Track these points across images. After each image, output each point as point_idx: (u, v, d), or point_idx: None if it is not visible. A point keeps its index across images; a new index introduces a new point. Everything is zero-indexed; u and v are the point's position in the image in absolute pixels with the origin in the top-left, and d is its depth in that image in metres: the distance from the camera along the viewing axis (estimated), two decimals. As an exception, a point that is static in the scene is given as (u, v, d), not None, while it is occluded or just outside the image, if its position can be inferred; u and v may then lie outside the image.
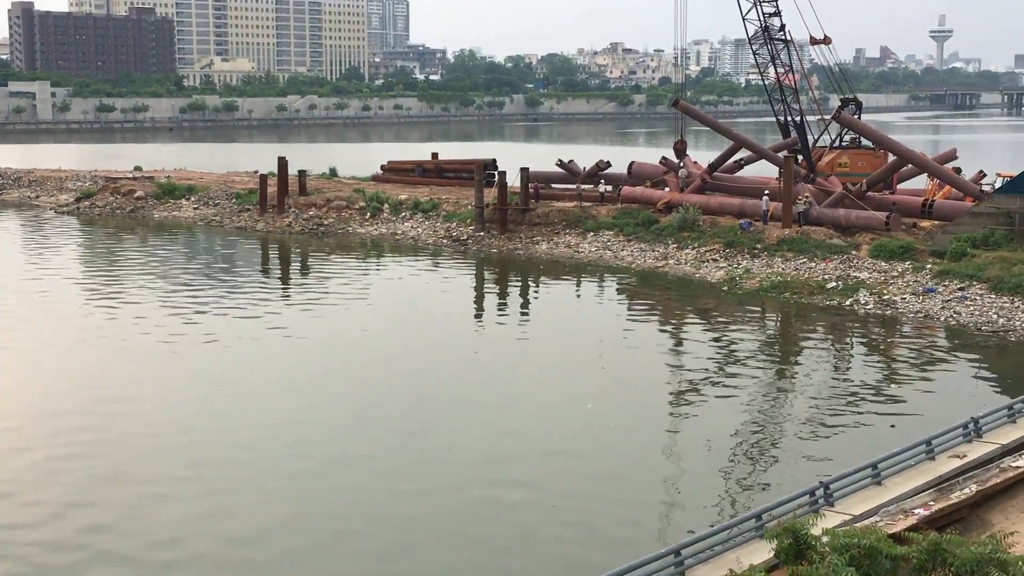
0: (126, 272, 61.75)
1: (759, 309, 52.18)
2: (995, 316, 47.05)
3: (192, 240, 75.74)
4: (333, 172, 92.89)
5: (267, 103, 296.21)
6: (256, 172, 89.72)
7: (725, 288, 55.77)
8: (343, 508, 27.81)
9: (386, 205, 77.17)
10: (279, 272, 65.57)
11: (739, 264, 58.60)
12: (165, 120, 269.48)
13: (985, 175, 71.77)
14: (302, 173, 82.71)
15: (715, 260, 59.80)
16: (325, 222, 76.70)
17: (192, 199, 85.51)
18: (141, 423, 34.25)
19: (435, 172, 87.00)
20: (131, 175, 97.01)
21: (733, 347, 44.86)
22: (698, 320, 50.07)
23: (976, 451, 26.16)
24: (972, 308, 48.19)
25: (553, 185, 78.93)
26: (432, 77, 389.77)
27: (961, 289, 50.15)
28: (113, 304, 52.54)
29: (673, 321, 50.36)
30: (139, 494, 28.43)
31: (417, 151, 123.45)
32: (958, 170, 71.23)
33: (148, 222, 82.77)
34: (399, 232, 73.40)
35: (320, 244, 72.07)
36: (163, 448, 31.97)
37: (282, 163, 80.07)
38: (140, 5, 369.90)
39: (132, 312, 50.58)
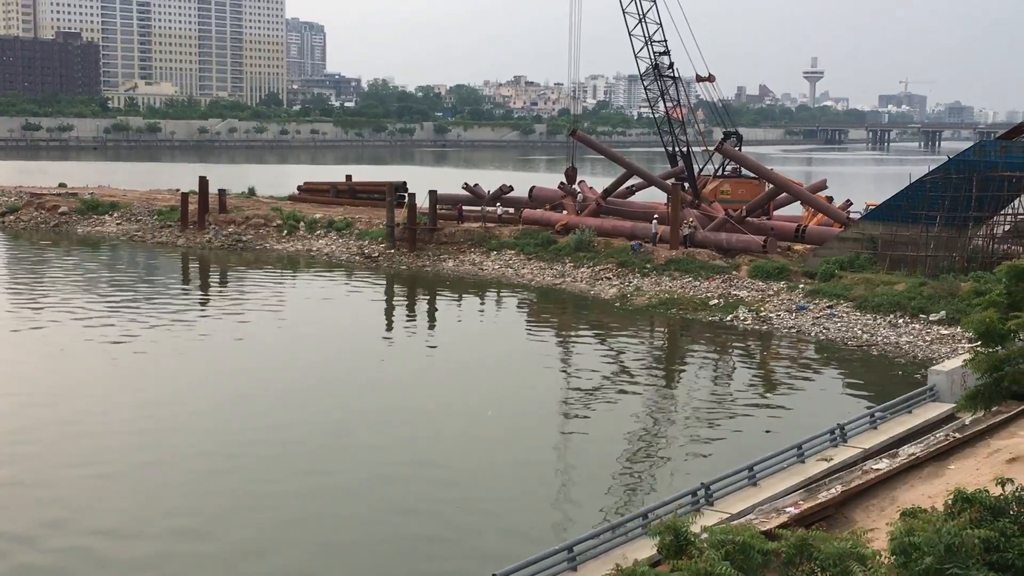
0: (46, 283, 60.07)
1: (648, 324, 52.74)
2: (860, 332, 48.17)
3: (114, 254, 73.99)
4: (252, 191, 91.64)
5: (189, 125, 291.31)
6: (178, 190, 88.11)
7: (617, 304, 56.26)
8: (264, 510, 27.33)
9: (302, 223, 76.38)
10: (198, 284, 64.37)
11: (630, 282, 59.16)
12: (90, 139, 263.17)
13: (852, 204, 73.59)
14: (222, 192, 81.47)
15: (608, 278, 60.30)
16: (243, 238, 75.62)
17: (115, 215, 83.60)
18: (51, 431, 33.28)
19: (349, 193, 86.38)
20: (56, 191, 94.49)
21: (624, 359, 45.25)
22: (592, 334, 50.42)
23: (841, 455, 26.71)
24: (840, 324, 49.28)
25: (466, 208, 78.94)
26: (347, 104, 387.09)
27: (830, 307, 51.25)
28: (33, 314, 51.04)
29: (569, 334, 50.63)
30: (37, 500, 27.60)
31: (332, 173, 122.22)
32: (830, 199, 72.93)
33: (72, 236, 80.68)
34: (314, 249, 72.67)
35: (239, 259, 70.99)
36: (67, 456, 31.07)
37: (203, 182, 78.85)
38: (67, 30, 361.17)
39: (52, 321, 49.19)
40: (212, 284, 64.34)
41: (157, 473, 29.59)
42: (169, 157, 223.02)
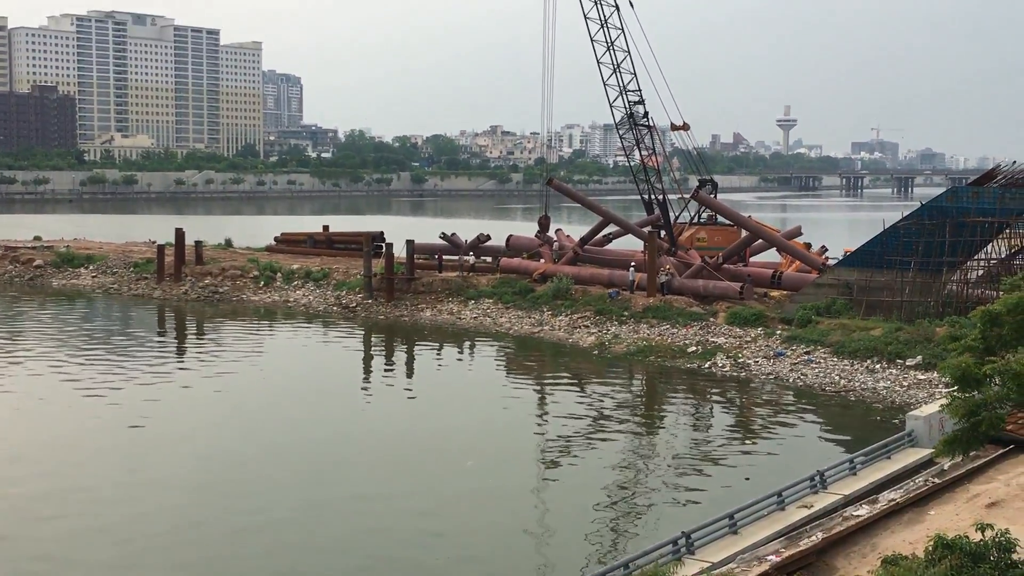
0: (23, 335, 59.57)
1: (627, 371, 52.72)
2: (837, 377, 48.31)
3: (90, 307, 73.48)
4: (228, 243, 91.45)
5: (165, 177, 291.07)
6: (154, 242, 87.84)
7: (596, 352, 56.24)
8: (246, 559, 27.00)
9: (279, 274, 76.23)
10: (175, 336, 63.95)
11: (608, 330, 59.22)
12: (66, 192, 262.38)
13: (828, 250, 74.11)
14: (198, 243, 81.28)
15: (586, 326, 60.35)
16: (220, 290, 75.35)
17: (91, 268, 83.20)
18: (31, 484, 32.85)
19: (326, 243, 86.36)
20: (31, 244, 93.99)
21: (603, 406, 45.17)
22: (571, 382, 50.34)
23: (822, 501, 26.71)
24: (817, 370, 49.43)
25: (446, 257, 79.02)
26: (324, 155, 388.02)
27: (807, 353, 51.42)
28: (8, 367, 50.55)
29: (548, 383, 50.54)
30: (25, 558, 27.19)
31: (309, 223, 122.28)
32: (808, 245, 73.43)
33: (47, 289, 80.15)
34: (291, 299, 72.48)
35: (215, 311, 70.69)
36: (42, 509, 30.67)
37: (179, 234, 78.69)
38: (43, 83, 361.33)
39: (28, 373, 48.72)
40: (189, 336, 63.97)
41: (137, 526, 29.19)
42: (145, 209, 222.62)
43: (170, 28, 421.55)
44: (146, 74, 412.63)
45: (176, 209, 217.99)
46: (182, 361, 54.33)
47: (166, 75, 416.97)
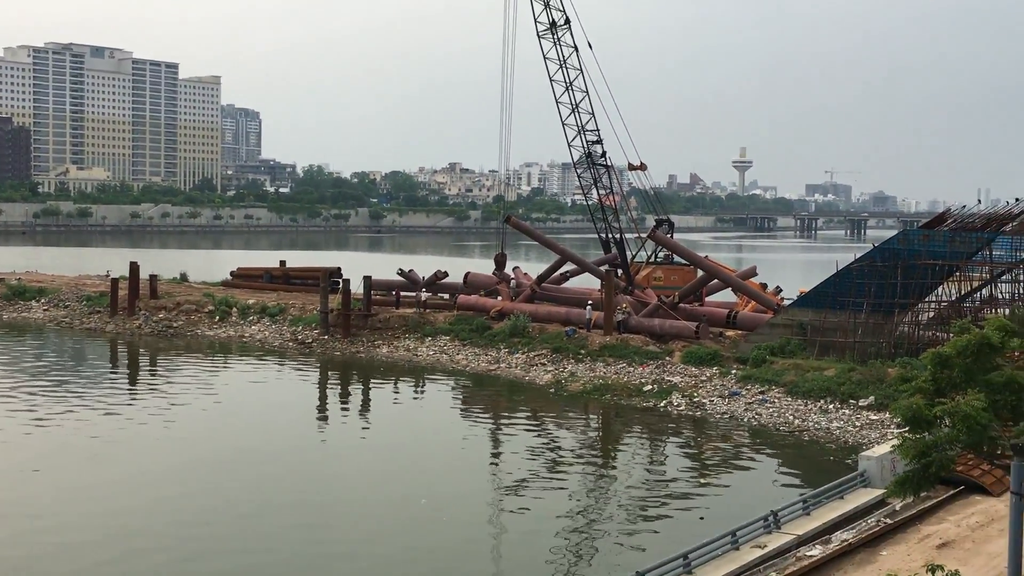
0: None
1: (583, 410, 52.72)
2: (791, 417, 48.61)
3: (41, 340, 72.40)
4: (184, 277, 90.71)
5: (121, 210, 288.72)
6: (108, 275, 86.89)
7: (552, 390, 56.23)
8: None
9: (235, 309, 75.62)
10: (127, 371, 63.10)
11: (565, 368, 59.25)
12: (18, 224, 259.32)
13: (782, 290, 74.78)
14: (153, 277, 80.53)
15: (543, 364, 60.34)
16: (174, 324, 74.60)
17: (43, 300, 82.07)
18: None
19: (283, 279, 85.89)
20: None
21: (559, 445, 45.09)
22: (527, 420, 50.24)
23: (775, 541, 26.77)
24: (772, 410, 49.71)
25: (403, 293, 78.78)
26: (282, 190, 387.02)
27: (762, 392, 51.73)
28: (-44, 403, 49.65)
29: (504, 421, 50.39)
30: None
31: (266, 258, 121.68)
32: (764, 285, 74.04)
33: (-4, 322, 78.88)
34: (247, 335, 71.87)
35: (169, 345, 69.90)
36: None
37: (133, 267, 77.95)
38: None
39: (-25, 411, 47.86)
40: (142, 370, 63.13)
41: (83, 562, 28.66)
42: (100, 242, 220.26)
43: (128, 61, 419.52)
44: (103, 106, 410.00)
45: (131, 242, 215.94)
46: (134, 396, 53.61)
47: (123, 108, 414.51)
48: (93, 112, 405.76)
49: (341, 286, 70.56)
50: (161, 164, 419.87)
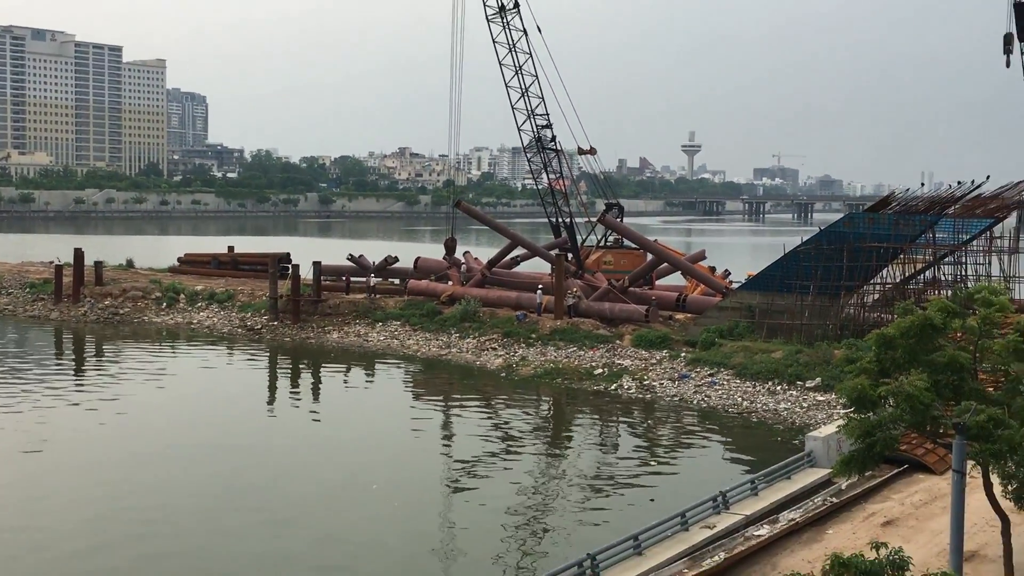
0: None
1: (534, 394, 52.92)
2: (740, 399, 49.15)
3: (-17, 329, 71.22)
4: (130, 263, 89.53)
5: (65, 196, 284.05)
6: (52, 262, 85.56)
7: (503, 374, 56.35)
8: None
9: (182, 295, 74.84)
10: (72, 359, 62.25)
11: (516, 352, 59.39)
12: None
13: (731, 273, 75.49)
14: (98, 264, 79.40)
15: (494, 348, 60.45)
16: (121, 311, 73.69)
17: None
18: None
19: (231, 264, 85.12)
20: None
21: (510, 429, 45.25)
22: (478, 404, 50.33)
23: (724, 521, 27.10)
24: (720, 392, 50.22)
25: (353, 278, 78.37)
26: (230, 175, 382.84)
27: (711, 375, 52.23)
28: None
29: (455, 405, 50.45)
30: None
31: (214, 244, 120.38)
32: (712, 269, 74.64)
33: (-63, 310, 77.42)
34: (195, 321, 71.19)
35: (115, 333, 69.05)
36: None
37: (78, 254, 76.83)
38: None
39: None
40: (88, 358, 62.32)
41: (32, 551, 28.32)
42: (43, 228, 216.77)
43: (71, 44, 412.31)
44: (45, 90, 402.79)
45: (76, 228, 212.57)
46: (81, 384, 52.92)
47: (66, 91, 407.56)
48: (35, 96, 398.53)
49: (290, 272, 70.10)
50: (105, 149, 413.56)
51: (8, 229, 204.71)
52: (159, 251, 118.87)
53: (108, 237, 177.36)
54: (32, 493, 34.26)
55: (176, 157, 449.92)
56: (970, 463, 18.16)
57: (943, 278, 59.93)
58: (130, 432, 42.92)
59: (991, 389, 19.46)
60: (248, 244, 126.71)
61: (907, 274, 58.99)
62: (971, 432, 17.27)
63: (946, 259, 60.17)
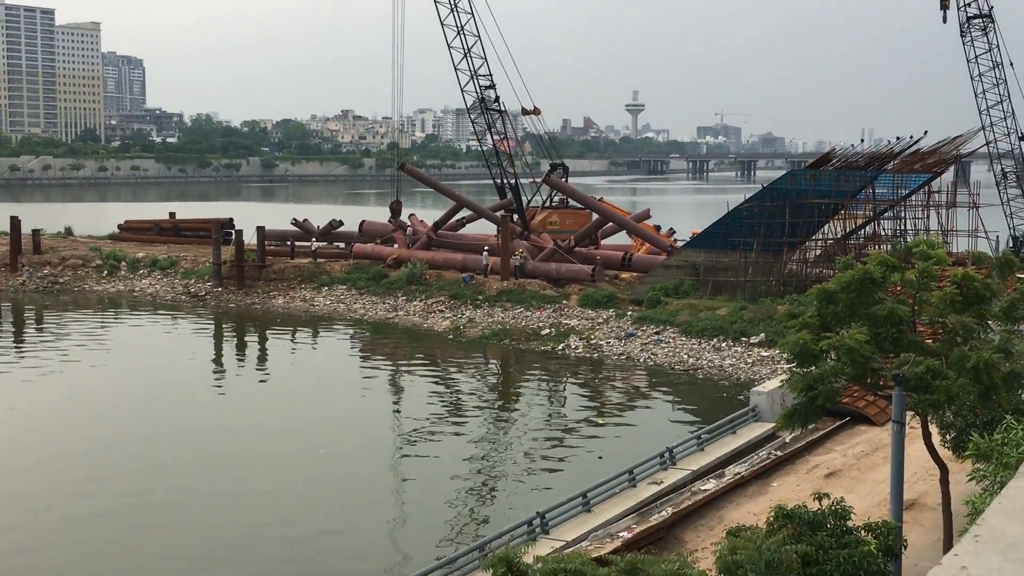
0: None
1: (482, 355, 53.03)
2: (686, 356, 49.64)
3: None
4: (69, 231, 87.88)
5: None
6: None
7: (451, 336, 56.38)
8: (92, 547, 26.14)
9: (123, 263, 73.78)
10: (12, 329, 61.22)
11: (463, 314, 59.41)
12: None
13: (675, 232, 75.92)
14: (36, 232, 77.88)
15: (441, 311, 60.41)
16: (60, 280, 72.49)
17: (-82, 259, 78.80)
18: None
19: (173, 231, 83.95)
20: None
21: (458, 391, 45.35)
22: (426, 367, 50.34)
23: (671, 477, 27.46)
24: (667, 350, 50.67)
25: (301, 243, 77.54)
26: (169, 140, 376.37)
27: (657, 333, 52.66)
28: None
29: (403, 368, 50.42)
30: None
31: (155, 211, 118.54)
32: (657, 227, 75.00)
33: None
34: (137, 289, 70.26)
35: (55, 302, 67.96)
36: None
37: (14, 222, 75.27)
38: None
39: None
40: (27, 328, 61.32)
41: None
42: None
43: (0, 8, 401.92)
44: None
45: (11, 196, 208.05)
46: (21, 354, 52.08)
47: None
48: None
49: (234, 237, 69.34)
50: (40, 114, 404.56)
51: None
52: (99, 218, 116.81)
53: (45, 205, 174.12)
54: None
55: (114, 123, 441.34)
56: (909, 414, 18.51)
57: (883, 233, 60.80)
58: (74, 402, 42.36)
59: (929, 341, 19.80)
60: (190, 210, 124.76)
61: (848, 229, 59.76)
62: (910, 383, 17.58)
63: (885, 214, 61.00)
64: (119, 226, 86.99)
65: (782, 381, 24.83)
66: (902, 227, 60.70)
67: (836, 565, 13.85)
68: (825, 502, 14.95)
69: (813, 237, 58.30)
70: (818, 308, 19.73)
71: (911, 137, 58.21)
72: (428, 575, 20.63)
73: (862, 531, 14.76)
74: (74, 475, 32.80)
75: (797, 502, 15.85)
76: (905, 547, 15.79)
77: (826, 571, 13.83)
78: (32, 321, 63.15)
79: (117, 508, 29.78)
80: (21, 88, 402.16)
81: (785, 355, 20.91)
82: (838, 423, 31.19)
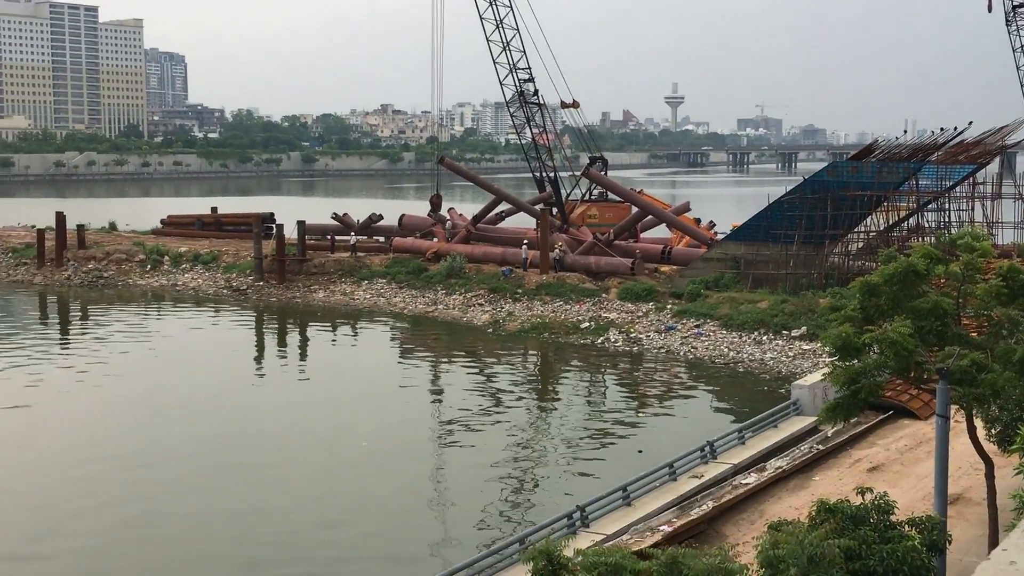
0: None
1: (522, 348, 53.04)
2: (726, 350, 49.38)
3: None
4: (113, 226, 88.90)
5: (44, 159, 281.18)
6: (33, 226, 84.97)
7: (490, 330, 56.45)
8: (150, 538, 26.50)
9: (166, 257, 74.54)
10: (58, 323, 62.05)
11: (502, 308, 59.45)
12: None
13: (715, 225, 75.49)
14: (81, 227, 78.91)
15: (480, 304, 60.49)
16: (105, 274, 73.38)
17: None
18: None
19: (215, 225, 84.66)
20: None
21: (498, 384, 45.40)
22: (466, 360, 50.45)
23: (712, 471, 27.33)
24: (707, 343, 50.44)
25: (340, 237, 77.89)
26: (211, 135, 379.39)
27: (697, 326, 52.42)
28: None
29: (443, 362, 50.55)
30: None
31: (197, 205, 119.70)
32: (697, 220, 74.63)
33: (-80, 277, 76.90)
34: (180, 283, 70.97)
35: (100, 296, 68.82)
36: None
37: (60, 217, 76.32)
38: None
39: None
40: (73, 322, 62.15)
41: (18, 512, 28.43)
42: (24, 192, 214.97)
43: (45, 5, 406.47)
44: (21, 53, 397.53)
45: (57, 192, 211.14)
46: (67, 347, 52.80)
47: (42, 54, 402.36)
48: (10, 58, 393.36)
49: (275, 231, 69.83)
50: (84, 111, 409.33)
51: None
52: (142, 213, 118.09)
53: (90, 200, 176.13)
54: (25, 454, 34.29)
55: (156, 118, 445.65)
56: (954, 407, 18.30)
57: (926, 225, 60.12)
58: (120, 394, 42.89)
59: (974, 334, 19.59)
60: (231, 204, 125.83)
61: (891, 221, 59.13)
62: (954, 377, 17.38)
63: (929, 206, 60.30)
64: (162, 221, 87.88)
65: (824, 374, 24.63)
66: (946, 219, 59.97)
67: (879, 560, 13.74)
68: (868, 496, 14.84)
69: (855, 229, 57.72)
70: (861, 301, 19.56)
71: (955, 128, 57.49)
72: (469, 567, 20.68)
73: (906, 526, 14.63)
74: (120, 470, 33.20)
75: (839, 496, 15.74)
76: (950, 542, 15.63)
77: (869, 566, 13.72)
78: (78, 315, 63.97)
79: (164, 509, 30.16)
80: (66, 85, 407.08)
81: (827, 348, 20.74)
82: (881, 417, 30.90)
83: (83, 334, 56.94)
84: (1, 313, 63.99)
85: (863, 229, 58.39)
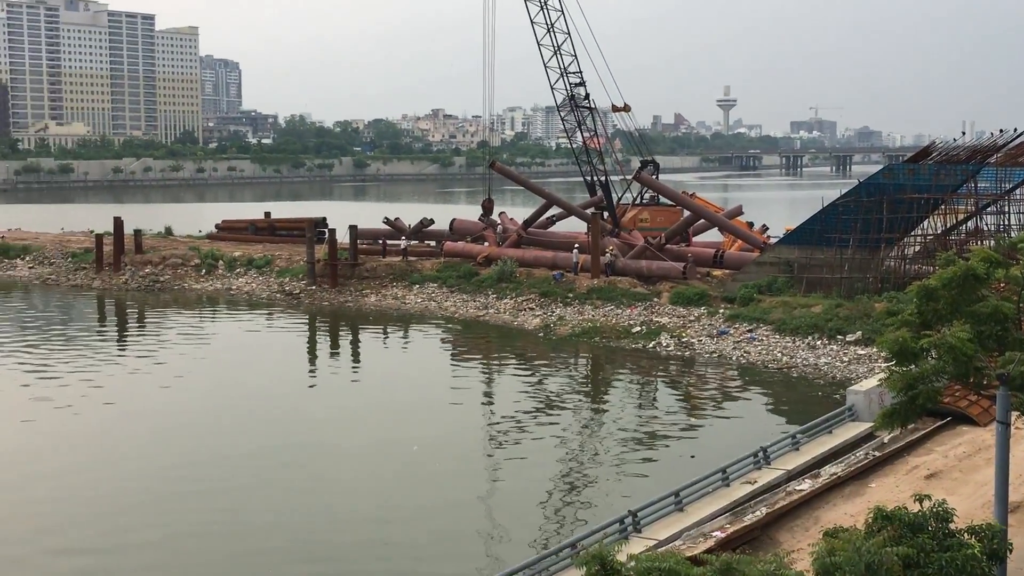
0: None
1: (573, 353, 52.95)
2: (779, 354, 48.92)
3: (28, 298, 72.16)
4: (168, 231, 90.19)
5: (103, 165, 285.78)
6: (92, 231, 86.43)
7: (541, 334, 56.41)
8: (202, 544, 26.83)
9: (221, 262, 75.45)
10: (116, 326, 62.99)
11: (553, 312, 59.40)
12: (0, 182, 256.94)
13: (768, 228, 74.88)
14: (138, 232, 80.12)
15: (531, 309, 60.49)
16: (161, 279, 74.43)
17: (27, 258, 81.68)
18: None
19: (268, 230, 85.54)
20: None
21: (549, 389, 45.35)
22: (517, 365, 50.46)
23: (765, 477, 27.07)
24: (760, 348, 50.01)
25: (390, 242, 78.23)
26: (264, 141, 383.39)
27: (750, 331, 52.00)
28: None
29: (494, 366, 50.61)
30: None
31: (251, 210, 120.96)
32: (750, 224, 74.08)
33: (-18, 282, 78.56)
34: (234, 287, 71.78)
35: (156, 300, 69.80)
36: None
37: (118, 222, 77.55)
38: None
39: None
40: (131, 326, 63.06)
41: (82, 508, 28.88)
42: (83, 198, 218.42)
43: (104, 13, 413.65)
44: (80, 60, 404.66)
45: (114, 197, 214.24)
46: (124, 351, 53.57)
47: (101, 61, 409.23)
48: (70, 66, 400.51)
49: (327, 236, 70.38)
50: (141, 118, 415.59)
51: (49, 200, 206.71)
52: (197, 218, 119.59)
53: (146, 205, 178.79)
54: (83, 448, 34.85)
55: (211, 124, 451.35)
56: (1015, 414, 17.95)
57: (985, 228, 59.15)
58: (177, 398, 43.42)
59: (1035, 339, 19.18)
60: (284, 209, 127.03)
61: (948, 225, 58.27)
62: (1016, 382, 17.05)
63: (988, 209, 59.31)
64: (216, 226, 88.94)
65: (880, 380, 24.30)
66: (1006, 222, 58.94)
67: (938, 568, 13.50)
68: (926, 504, 14.58)
69: (912, 233, 56.94)
70: (918, 305, 19.25)
71: (1015, 129, 56.51)
72: (523, 571, 20.66)
73: (965, 534, 14.36)
74: (181, 473, 33.61)
75: (896, 503, 15.50)
76: (1011, 551, 15.32)
77: (928, 574, 13.49)
78: (135, 319, 64.90)
79: (220, 516, 30.49)
80: (123, 92, 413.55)
81: (883, 353, 20.44)
82: (939, 423, 30.39)
83: (144, 336, 57.72)
84: (63, 316, 65.08)
85: (920, 232, 57.57)
